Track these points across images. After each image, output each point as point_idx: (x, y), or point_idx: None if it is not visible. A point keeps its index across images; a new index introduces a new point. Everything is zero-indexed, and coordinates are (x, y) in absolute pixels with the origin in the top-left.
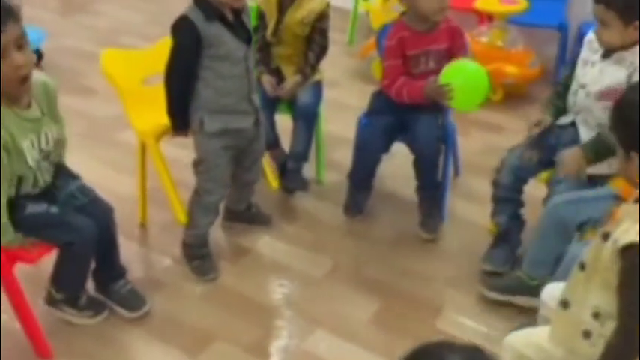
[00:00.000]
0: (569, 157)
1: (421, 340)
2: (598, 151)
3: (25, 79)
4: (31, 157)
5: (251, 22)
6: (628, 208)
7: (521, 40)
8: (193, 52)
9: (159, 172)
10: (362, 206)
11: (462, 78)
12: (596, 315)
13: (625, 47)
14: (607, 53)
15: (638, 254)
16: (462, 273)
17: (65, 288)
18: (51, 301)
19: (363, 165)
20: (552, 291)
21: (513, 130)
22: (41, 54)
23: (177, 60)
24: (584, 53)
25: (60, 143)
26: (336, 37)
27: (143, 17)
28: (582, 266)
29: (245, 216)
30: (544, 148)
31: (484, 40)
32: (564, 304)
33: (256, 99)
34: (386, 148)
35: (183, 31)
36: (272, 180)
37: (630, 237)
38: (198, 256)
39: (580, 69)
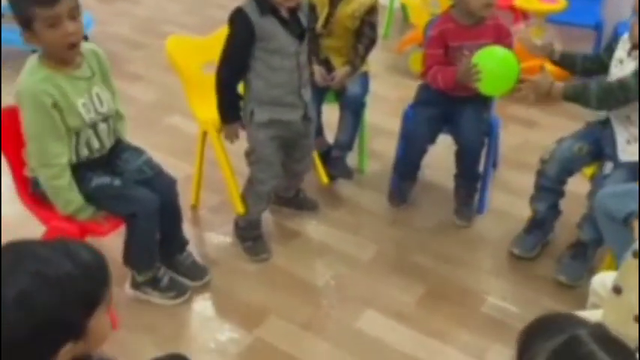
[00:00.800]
0: (545, 79)
1: (468, 324)
2: (576, 93)
3: (74, 45)
4: (87, 114)
5: (306, 18)
6: None
7: (558, 38)
8: (246, 43)
9: (219, 162)
10: (406, 195)
11: (493, 62)
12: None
13: None
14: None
15: None
16: (503, 261)
17: (137, 263)
18: (134, 285)
19: (410, 155)
20: (602, 279)
21: (549, 126)
22: (87, 39)
23: (230, 50)
24: (618, 52)
25: (118, 115)
26: None
27: (180, 7)
28: (635, 254)
29: (293, 201)
30: (593, 141)
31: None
32: (617, 290)
33: (306, 94)
34: (432, 139)
35: (237, 22)
36: (323, 175)
37: None
38: (250, 237)
39: (613, 68)
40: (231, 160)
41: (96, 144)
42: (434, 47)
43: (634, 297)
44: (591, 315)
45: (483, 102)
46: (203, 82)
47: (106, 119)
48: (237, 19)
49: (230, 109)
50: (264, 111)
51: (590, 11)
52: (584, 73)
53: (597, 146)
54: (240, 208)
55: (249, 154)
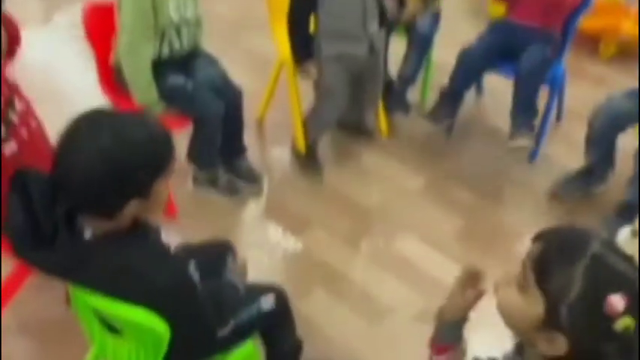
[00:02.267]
0: None
1: (500, 259)
2: None
3: None
4: (174, 14)
5: None
6: None
7: None
8: None
9: (291, 97)
10: (448, 116)
11: None
12: None
13: None
14: None
15: None
16: (547, 209)
17: (199, 160)
18: (196, 182)
19: (461, 77)
20: (626, 235)
21: (620, 85)
22: None
23: None
24: None
25: (198, 23)
26: None
27: None
28: None
29: (354, 125)
30: None
31: None
32: (635, 233)
33: (372, 26)
34: (483, 68)
35: None
36: (384, 126)
37: None
38: (306, 154)
39: None
40: (302, 87)
41: (176, 44)
42: None
43: None
44: None
45: (549, 42)
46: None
47: (187, 23)
48: None
49: (303, 48)
50: (331, 45)
51: None
52: None
53: None
54: (301, 146)
55: (316, 86)
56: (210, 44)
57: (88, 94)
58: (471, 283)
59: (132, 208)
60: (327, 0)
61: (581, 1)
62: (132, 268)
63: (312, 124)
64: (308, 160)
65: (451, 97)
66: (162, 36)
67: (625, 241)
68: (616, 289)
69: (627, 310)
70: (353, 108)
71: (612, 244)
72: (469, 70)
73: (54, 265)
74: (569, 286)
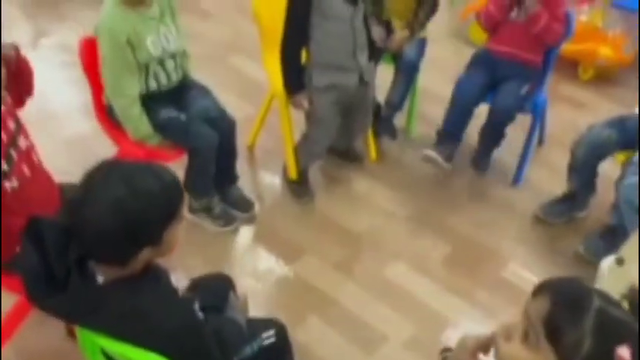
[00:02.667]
0: None
1: (487, 285)
2: None
3: None
4: (155, 50)
5: None
6: None
7: (620, 23)
8: (304, 11)
9: (283, 127)
10: (450, 155)
11: None
12: None
13: None
14: None
15: None
16: (531, 233)
17: (195, 190)
18: (191, 209)
19: (457, 113)
20: (610, 263)
21: (597, 109)
22: None
23: (290, 20)
24: None
25: (185, 55)
26: None
27: None
28: None
29: (342, 152)
30: (624, 131)
31: (584, 18)
32: (619, 261)
33: (362, 58)
34: (477, 102)
35: None
36: (373, 152)
37: None
38: (297, 181)
39: None
40: (293, 114)
41: (163, 78)
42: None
43: (633, 267)
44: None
45: (528, 77)
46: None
47: (173, 56)
48: None
49: (295, 80)
50: (322, 75)
51: None
52: None
53: (628, 137)
54: (293, 174)
55: (308, 116)
56: (199, 68)
57: (76, 120)
58: (484, 348)
59: (144, 256)
60: (319, 33)
61: (561, 36)
62: (143, 312)
63: (303, 152)
64: (299, 187)
65: (450, 137)
66: (146, 71)
67: (609, 269)
68: (622, 341)
69: (633, 358)
70: (343, 135)
71: (608, 295)
72: (465, 112)
73: (66, 310)
74: (580, 341)
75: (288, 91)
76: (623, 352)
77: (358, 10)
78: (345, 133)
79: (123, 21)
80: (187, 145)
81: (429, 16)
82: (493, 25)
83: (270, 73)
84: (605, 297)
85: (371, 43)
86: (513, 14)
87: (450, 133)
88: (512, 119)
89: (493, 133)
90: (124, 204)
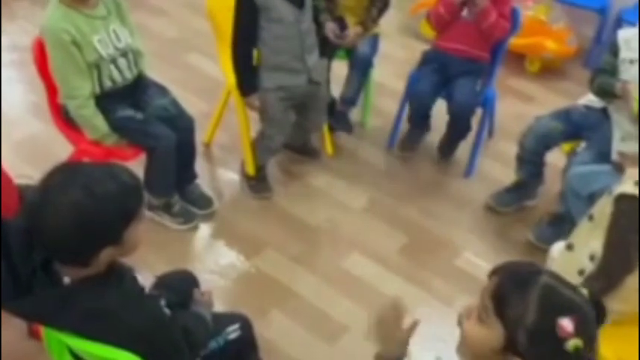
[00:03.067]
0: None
1: (442, 273)
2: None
3: None
4: (103, 49)
5: None
6: (632, 170)
7: (563, 17)
8: (252, 16)
9: (240, 124)
10: (414, 144)
11: None
12: (592, 257)
13: None
14: None
15: (626, 202)
16: (483, 223)
17: (155, 189)
18: (150, 207)
19: (416, 112)
20: (559, 246)
21: (544, 101)
22: None
23: (239, 24)
24: (624, 53)
25: (139, 53)
26: None
27: None
28: (591, 217)
29: (298, 148)
30: (569, 122)
31: (529, 13)
32: (569, 247)
33: (310, 59)
34: (433, 100)
35: None
36: (329, 147)
37: (623, 188)
38: (255, 177)
39: (621, 65)
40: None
41: (117, 77)
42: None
43: (582, 253)
44: None
45: (479, 73)
46: None
47: (124, 54)
48: None
49: (247, 82)
50: (270, 76)
51: None
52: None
53: (573, 128)
54: (251, 170)
55: (261, 113)
56: (153, 66)
57: (27, 120)
58: (396, 318)
59: (105, 256)
60: (267, 35)
61: (508, 31)
62: (109, 310)
63: (260, 148)
64: (258, 183)
65: (414, 133)
66: (98, 70)
67: (559, 254)
68: (566, 314)
69: (577, 332)
70: (298, 131)
71: (559, 276)
72: (421, 108)
73: (32, 311)
74: (525, 313)
75: (240, 93)
76: (566, 323)
77: (304, 13)
78: (300, 130)
79: (66, 21)
80: (145, 145)
81: (381, 12)
82: (443, 26)
83: (226, 70)
84: (556, 277)
85: (322, 41)
86: (464, 13)
87: (413, 128)
88: (474, 113)
89: (458, 129)
90: (81, 207)
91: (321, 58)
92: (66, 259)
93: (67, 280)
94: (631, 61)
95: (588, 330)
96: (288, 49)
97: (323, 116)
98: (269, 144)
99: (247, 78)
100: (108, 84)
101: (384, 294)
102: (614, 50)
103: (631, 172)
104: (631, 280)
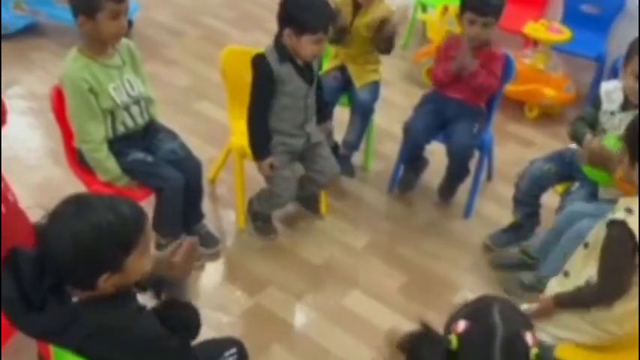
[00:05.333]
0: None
1: (440, 311)
2: None
3: (119, 38)
4: (118, 97)
5: (318, 65)
6: (625, 199)
7: (561, 65)
8: (268, 86)
9: (236, 184)
10: (411, 183)
11: None
12: (587, 284)
13: None
14: (625, 105)
15: (616, 228)
16: (482, 263)
17: (162, 229)
18: (158, 246)
19: (410, 148)
20: (552, 286)
21: (544, 146)
22: (131, 23)
23: (256, 91)
24: (605, 105)
25: (150, 101)
26: None
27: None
28: (586, 245)
29: (304, 200)
30: (562, 164)
31: (527, 61)
32: (566, 274)
33: (310, 126)
34: (427, 139)
35: (260, 67)
36: (324, 207)
37: (615, 215)
38: (260, 219)
39: (602, 116)
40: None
41: (130, 122)
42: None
43: (578, 280)
44: None
45: (477, 117)
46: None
47: (137, 102)
48: (260, 64)
49: (262, 146)
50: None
51: (594, 44)
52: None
53: (565, 168)
54: (241, 224)
55: (268, 177)
56: (165, 113)
57: (45, 165)
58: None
59: (105, 282)
60: (276, 104)
61: (497, 88)
62: (111, 327)
63: (265, 204)
64: (264, 224)
65: (408, 173)
66: (112, 116)
67: (556, 281)
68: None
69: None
70: (307, 183)
71: (510, 305)
72: (415, 146)
73: (40, 328)
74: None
75: (255, 158)
76: (460, 325)
77: (312, 89)
78: (312, 186)
79: (84, 70)
80: (154, 186)
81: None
82: (443, 86)
83: (233, 125)
84: (506, 303)
85: (322, 107)
86: (453, 66)
87: (407, 167)
88: (472, 156)
89: (457, 171)
90: (79, 236)
91: (318, 124)
92: (70, 282)
93: (75, 299)
94: (612, 113)
95: None
96: (291, 119)
97: (334, 169)
98: (277, 201)
99: (262, 144)
100: (121, 129)
101: (382, 330)
102: (597, 103)
103: (623, 201)
104: (629, 304)
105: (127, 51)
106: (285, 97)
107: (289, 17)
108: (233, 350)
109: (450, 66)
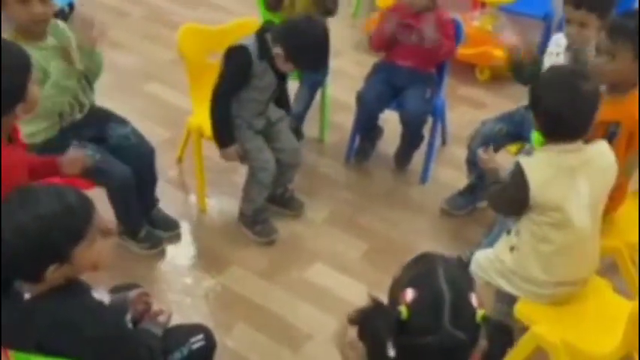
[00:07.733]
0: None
1: None
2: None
3: (41, 22)
4: (62, 75)
5: None
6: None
7: (509, 26)
8: (244, 78)
9: (195, 165)
10: (367, 153)
11: None
12: (517, 232)
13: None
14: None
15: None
16: (439, 226)
17: (122, 222)
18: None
19: (365, 121)
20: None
21: (496, 107)
22: (73, 6)
23: (228, 82)
24: (551, 47)
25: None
26: (342, 10)
27: None
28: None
29: (279, 199)
30: (512, 123)
31: (476, 23)
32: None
33: (269, 110)
34: (380, 109)
35: (239, 58)
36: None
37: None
38: (259, 221)
39: (547, 58)
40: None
41: (76, 106)
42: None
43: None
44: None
45: (428, 83)
46: (205, 68)
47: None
48: (241, 56)
49: (228, 134)
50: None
51: (541, 3)
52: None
53: (517, 128)
54: (203, 206)
55: (241, 157)
56: (114, 97)
57: None
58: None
59: (53, 273)
60: (243, 95)
61: (454, 51)
62: (69, 322)
63: (254, 189)
64: (263, 227)
65: (364, 143)
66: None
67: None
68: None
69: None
70: (278, 178)
71: (456, 267)
72: (369, 116)
73: None
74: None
75: (218, 145)
76: (408, 294)
77: (282, 84)
78: (279, 170)
79: None
80: (98, 183)
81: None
82: (386, 45)
83: (195, 106)
84: (451, 263)
85: (281, 96)
86: (413, 37)
87: (363, 136)
88: (425, 122)
89: (412, 138)
90: (24, 227)
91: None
92: (18, 275)
93: (27, 295)
94: (557, 54)
95: None
96: (254, 109)
97: (296, 149)
98: (262, 175)
99: (225, 132)
100: (67, 112)
101: (347, 300)
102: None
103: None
104: (546, 248)
105: (55, 29)
106: (253, 90)
107: (288, 49)
108: (200, 336)
109: (385, 30)
